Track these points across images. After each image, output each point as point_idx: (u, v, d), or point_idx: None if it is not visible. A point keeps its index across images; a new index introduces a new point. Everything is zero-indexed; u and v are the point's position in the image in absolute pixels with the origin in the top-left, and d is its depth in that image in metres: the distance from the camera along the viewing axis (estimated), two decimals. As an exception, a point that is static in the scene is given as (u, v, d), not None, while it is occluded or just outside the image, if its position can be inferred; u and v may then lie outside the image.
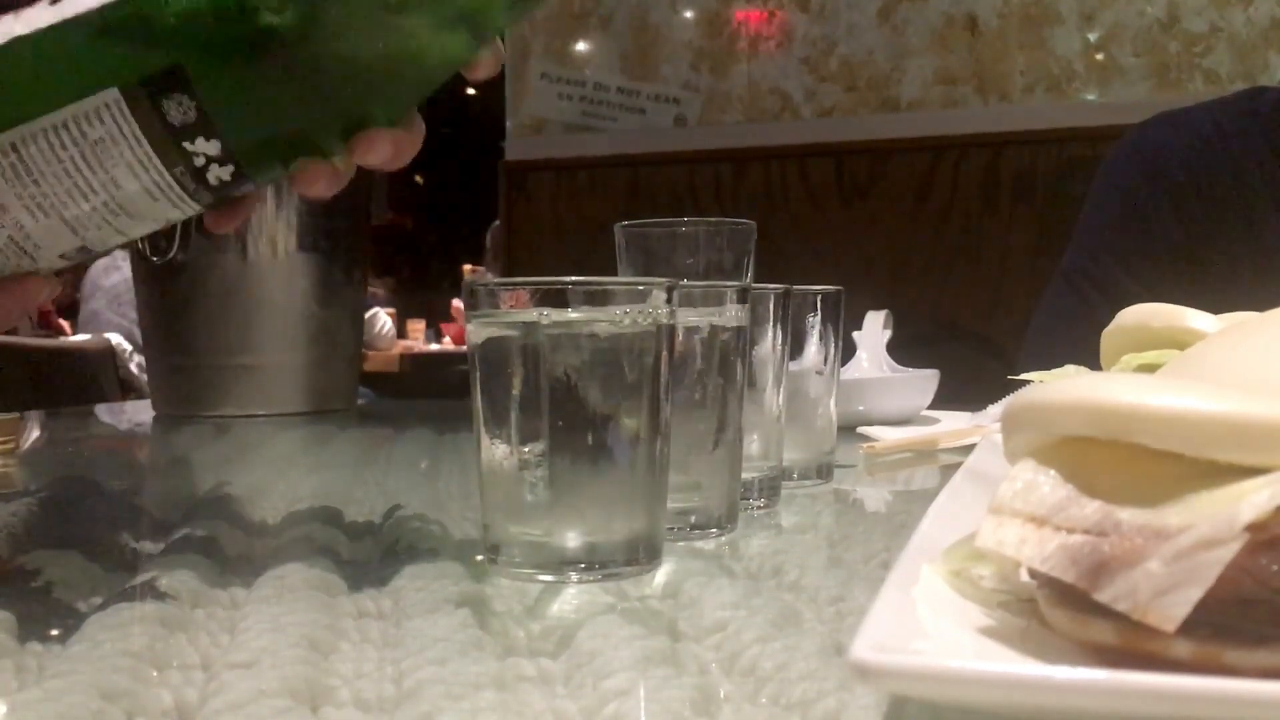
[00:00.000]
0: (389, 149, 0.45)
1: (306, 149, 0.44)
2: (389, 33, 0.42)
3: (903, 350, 1.05)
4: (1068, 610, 0.26)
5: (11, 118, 0.40)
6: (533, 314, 0.43)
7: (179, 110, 0.40)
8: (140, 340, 1.32)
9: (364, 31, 0.42)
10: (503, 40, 0.46)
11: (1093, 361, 0.48)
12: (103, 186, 0.41)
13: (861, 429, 0.89)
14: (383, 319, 4.15)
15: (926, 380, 0.98)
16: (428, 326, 5.02)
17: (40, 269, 0.44)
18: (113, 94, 0.40)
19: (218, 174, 0.42)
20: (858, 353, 1.04)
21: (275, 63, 0.41)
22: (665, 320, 0.44)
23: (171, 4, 0.40)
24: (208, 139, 0.41)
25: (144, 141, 0.41)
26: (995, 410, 0.88)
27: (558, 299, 0.43)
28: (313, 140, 0.44)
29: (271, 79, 0.41)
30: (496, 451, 0.44)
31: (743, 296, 0.52)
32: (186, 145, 0.41)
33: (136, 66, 0.40)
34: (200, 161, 0.41)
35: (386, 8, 0.42)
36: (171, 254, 1.08)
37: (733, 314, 0.52)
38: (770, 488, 0.59)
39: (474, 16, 0.43)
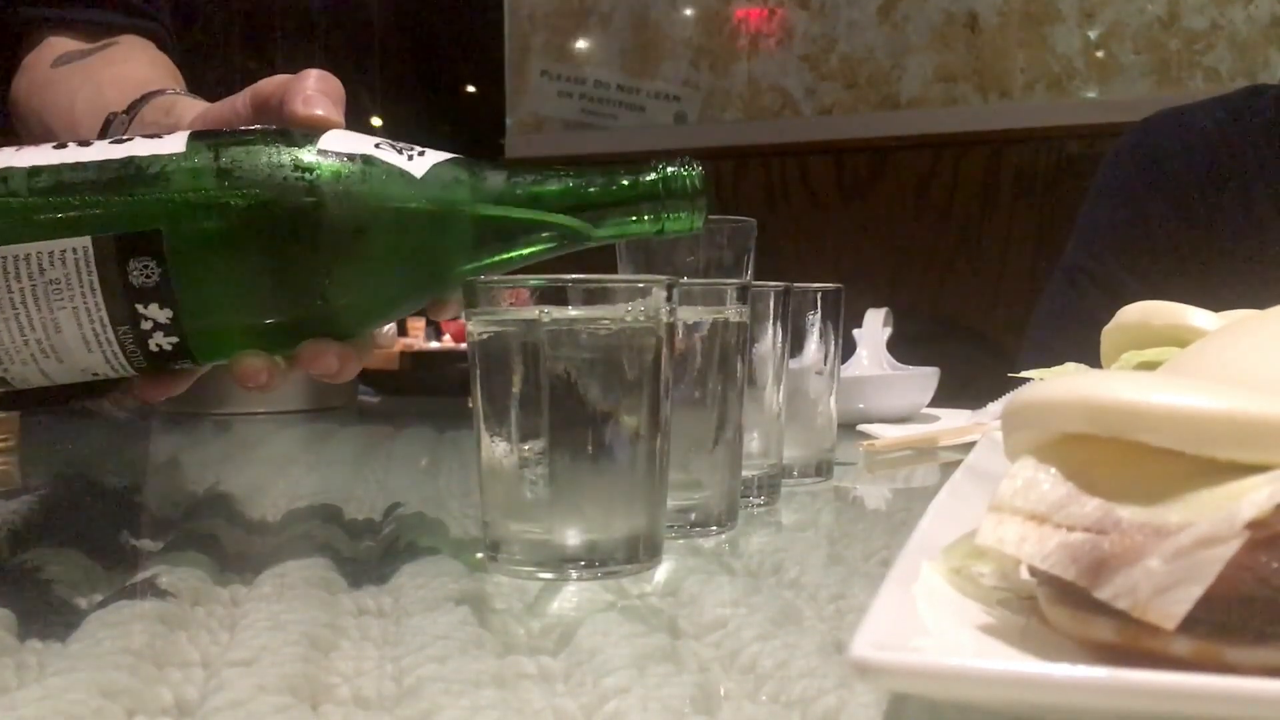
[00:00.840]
0: (334, 364, 0.45)
1: (254, 344, 0.45)
2: (360, 264, 0.43)
3: (903, 348, 1.05)
4: (1068, 608, 0.26)
5: None
6: (533, 312, 0.43)
7: (143, 272, 0.41)
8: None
9: (335, 259, 0.43)
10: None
11: (1093, 359, 0.48)
12: (42, 325, 0.41)
13: (861, 427, 0.89)
14: (383, 316, 4.14)
15: (926, 378, 0.98)
16: (428, 324, 5.02)
17: None
18: (84, 241, 0.41)
19: (160, 342, 0.42)
20: (858, 350, 1.04)
21: (248, 259, 0.42)
22: (665, 318, 0.44)
23: (165, 178, 0.41)
24: (161, 307, 0.42)
25: (98, 293, 0.41)
26: (995, 408, 0.88)
27: (558, 297, 0.43)
28: (262, 335, 0.44)
29: (240, 271, 0.42)
30: (497, 449, 0.44)
31: (743, 294, 0.52)
32: (139, 307, 0.41)
33: (116, 222, 0.41)
34: (147, 326, 0.42)
35: (362, 243, 0.43)
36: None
37: (733, 312, 0.52)
38: (770, 485, 0.59)
39: (440, 271, 0.45)
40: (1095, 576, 0.25)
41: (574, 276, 0.43)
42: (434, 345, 4.63)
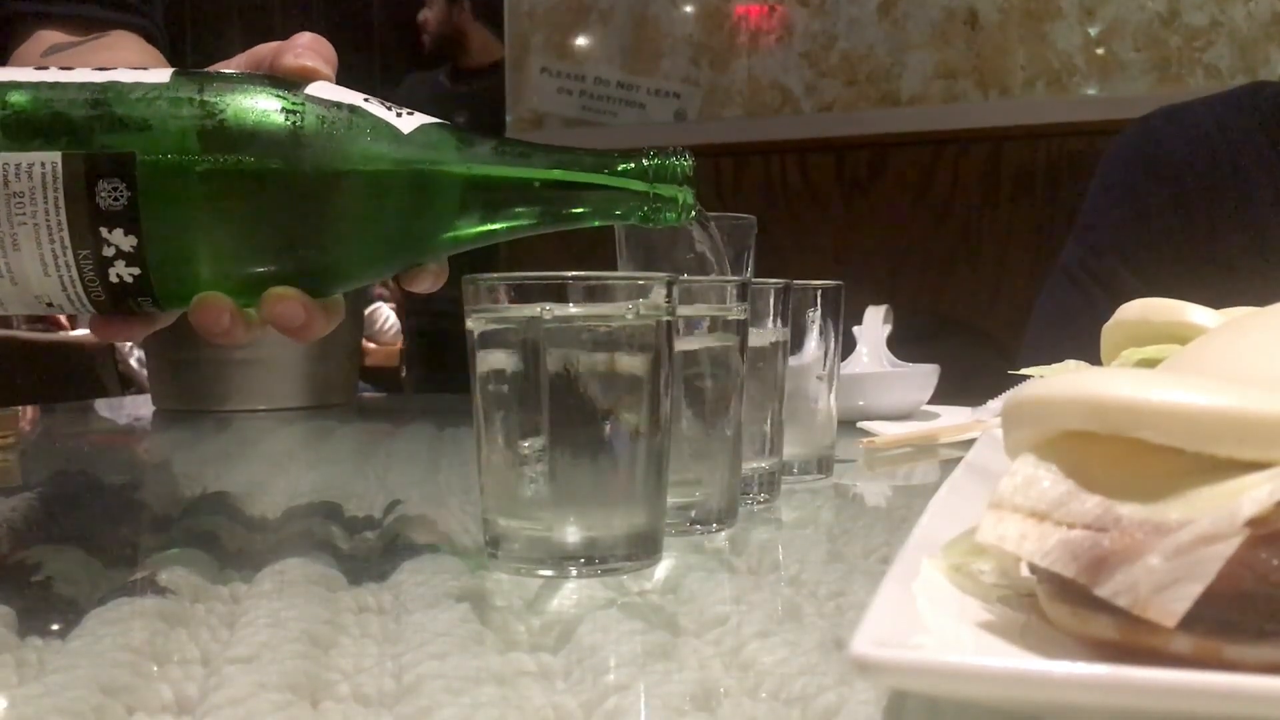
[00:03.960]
0: (300, 314, 0.43)
1: (218, 286, 0.43)
2: (336, 215, 0.42)
3: (903, 345, 1.05)
4: (1068, 605, 0.26)
5: None
6: (533, 309, 0.43)
7: (111, 195, 0.39)
8: (140, 335, 1.31)
9: (311, 206, 0.41)
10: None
11: (1093, 356, 0.48)
12: (0, 242, 0.40)
13: (861, 424, 0.89)
14: (385, 313, 4.15)
15: (926, 375, 0.98)
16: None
17: None
18: (53, 156, 0.39)
19: (121, 272, 0.41)
20: (858, 348, 1.04)
21: (222, 195, 0.41)
22: (665, 315, 0.44)
23: (145, 103, 0.40)
24: (126, 234, 0.40)
25: (62, 211, 0.39)
26: (995, 405, 0.88)
27: (558, 294, 0.43)
28: (228, 280, 0.43)
29: (212, 207, 0.41)
30: (497, 446, 0.44)
31: (743, 292, 0.52)
32: (103, 231, 0.40)
33: (90, 141, 0.40)
34: (109, 252, 0.40)
35: (341, 193, 0.41)
36: None
37: (733, 309, 0.52)
38: (770, 483, 0.59)
39: (419, 234, 0.43)
40: (1095, 574, 0.25)
41: (574, 273, 0.43)
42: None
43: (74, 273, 0.41)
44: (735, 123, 2.24)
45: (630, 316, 0.43)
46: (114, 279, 0.41)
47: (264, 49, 0.48)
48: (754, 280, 0.57)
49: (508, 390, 0.43)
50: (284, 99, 0.42)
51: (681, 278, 0.46)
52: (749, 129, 2.22)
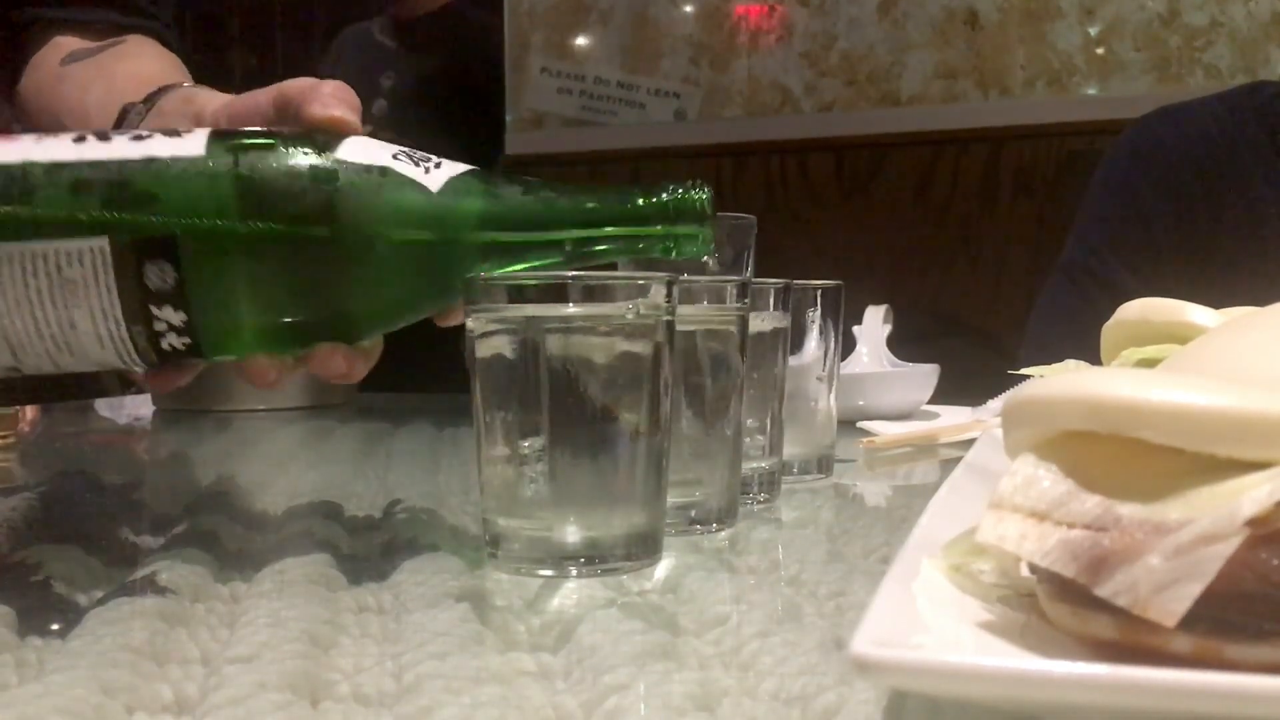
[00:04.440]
0: (343, 366, 0.46)
1: (265, 345, 0.46)
2: (373, 274, 0.44)
3: (903, 345, 1.05)
4: (1068, 605, 0.26)
5: None
6: (533, 309, 0.43)
7: (159, 276, 0.41)
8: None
9: (349, 268, 0.43)
10: None
11: (1093, 356, 0.48)
12: (58, 322, 0.42)
13: (861, 424, 0.89)
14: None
15: (926, 375, 0.98)
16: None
17: None
18: (101, 243, 0.41)
19: (172, 342, 0.43)
20: (858, 347, 1.04)
21: (263, 266, 0.42)
22: (665, 315, 0.44)
23: (183, 182, 0.42)
24: (176, 309, 0.42)
25: (114, 293, 0.41)
26: (995, 405, 0.88)
27: (558, 293, 0.43)
28: (274, 339, 0.45)
29: (254, 278, 0.43)
30: (496, 446, 0.44)
31: (743, 291, 0.52)
32: (154, 309, 0.42)
33: (135, 227, 0.41)
34: (161, 327, 0.42)
35: (376, 254, 0.43)
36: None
37: (733, 309, 0.52)
38: (770, 482, 0.59)
39: (450, 282, 0.45)
40: (1095, 573, 0.25)
41: (574, 273, 0.43)
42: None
43: (128, 345, 0.43)
44: (735, 123, 2.24)
45: (630, 316, 0.43)
46: (166, 348, 0.43)
47: (294, 87, 0.49)
48: (754, 280, 0.57)
49: (507, 390, 0.43)
50: (317, 169, 0.43)
51: (681, 278, 0.46)
52: (749, 129, 2.22)
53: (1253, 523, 0.23)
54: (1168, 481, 0.25)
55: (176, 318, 0.42)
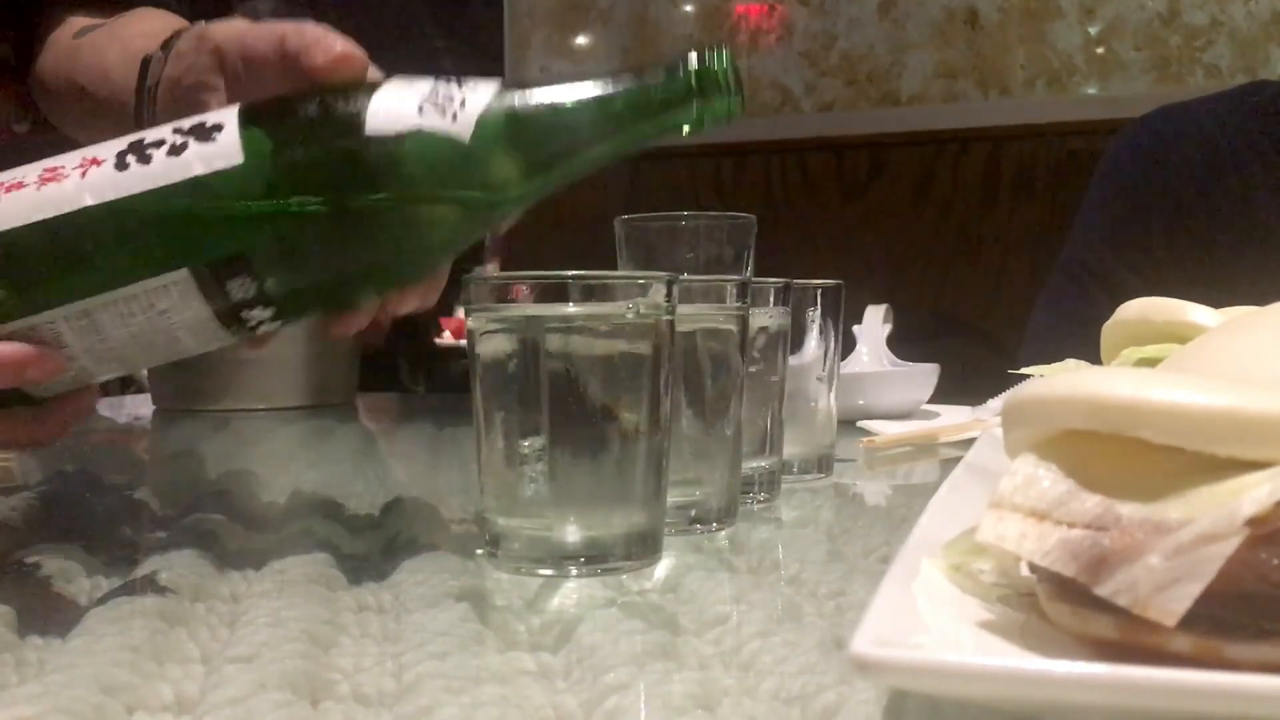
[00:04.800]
0: (417, 301, 0.50)
1: (345, 304, 0.49)
2: (428, 225, 0.45)
3: (903, 344, 1.05)
4: (1068, 604, 0.26)
5: (83, 289, 0.43)
6: (533, 308, 0.43)
7: (241, 289, 0.44)
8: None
9: (403, 229, 0.45)
10: None
11: (1093, 356, 0.48)
12: (165, 343, 0.45)
13: (861, 423, 0.89)
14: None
15: (926, 374, 0.98)
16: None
17: (88, 391, 0.48)
18: (182, 274, 0.43)
19: (266, 327, 0.46)
20: (858, 347, 1.04)
21: (327, 246, 0.44)
22: (665, 315, 0.44)
23: (234, 196, 0.43)
24: (265, 307, 0.45)
25: (208, 312, 0.44)
26: (995, 404, 0.88)
27: (558, 293, 0.43)
28: (352, 296, 0.48)
29: (322, 257, 0.45)
30: (496, 446, 0.44)
31: (743, 291, 0.52)
32: (245, 314, 0.45)
33: (205, 252, 0.43)
34: (254, 322, 0.45)
35: (425, 210, 0.45)
36: None
37: (733, 309, 0.52)
38: (770, 482, 0.59)
39: (497, 205, 0.46)
40: (1095, 573, 0.25)
41: (574, 273, 0.43)
42: (435, 342, 4.62)
43: (227, 339, 0.46)
44: (735, 122, 2.24)
45: (630, 316, 0.43)
46: (260, 331, 0.47)
47: (290, 43, 0.49)
48: (754, 280, 0.57)
49: (507, 390, 0.43)
50: (350, 150, 0.44)
51: (681, 277, 0.46)
52: (748, 128, 2.22)
53: (1253, 522, 0.23)
54: (1168, 481, 0.25)
55: (266, 314, 0.45)
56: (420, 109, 0.44)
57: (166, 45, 0.59)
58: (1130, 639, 0.24)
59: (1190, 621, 0.23)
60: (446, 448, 0.85)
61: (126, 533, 0.54)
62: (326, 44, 0.47)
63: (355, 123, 0.44)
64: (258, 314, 0.45)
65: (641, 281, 0.44)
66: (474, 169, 0.45)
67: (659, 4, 2.29)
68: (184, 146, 0.44)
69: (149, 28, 0.71)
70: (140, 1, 0.80)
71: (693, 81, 0.46)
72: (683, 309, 0.47)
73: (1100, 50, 2.00)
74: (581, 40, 2.36)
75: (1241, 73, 1.89)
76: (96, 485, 0.73)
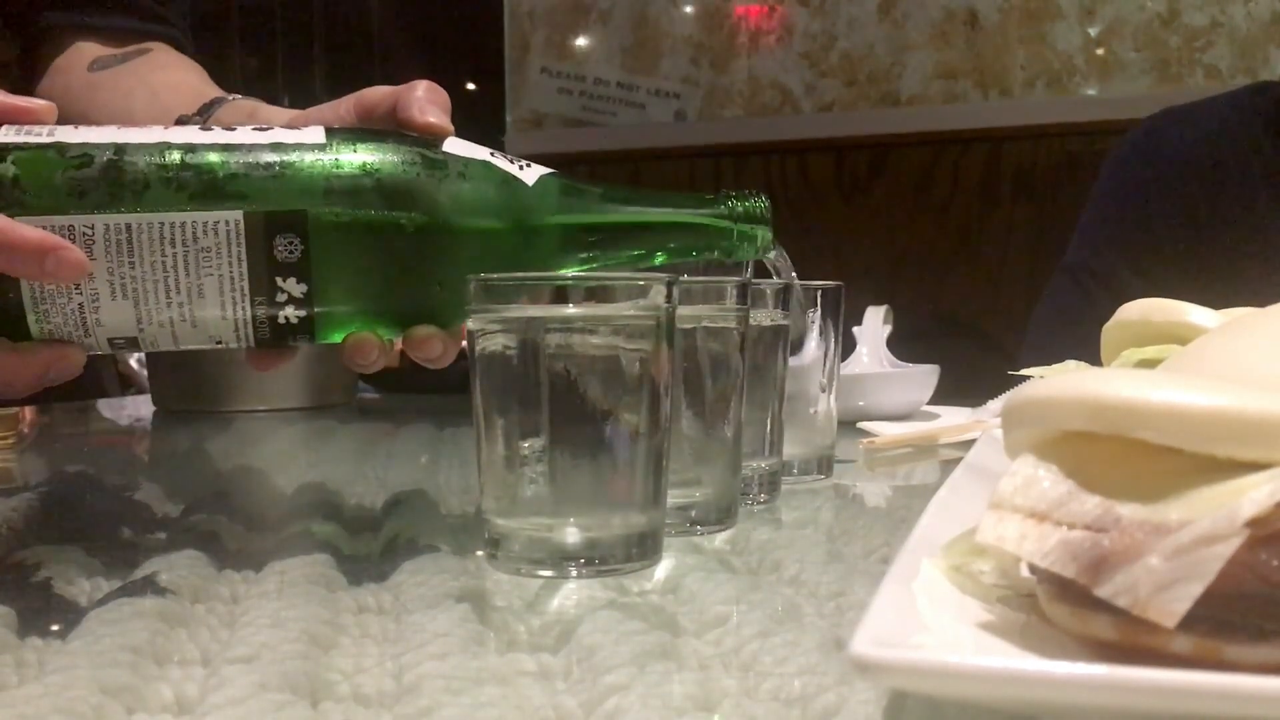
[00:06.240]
0: (439, 349, 0.48)
1: (368, 324, 0.48)
2: (474, 257, 0.47)
3: (903, 345, 1.05)
4: (1068, 605, 0.26)
5: (138, 206, 0.43)
6: (533, 309, 0.43)
7: (286, 248, 0.44)
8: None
9: (455, 251, 0.46)
10: None
11: (1094, 357, 0.48)
12: (186, 290, 0.44)
13: (861, 424, 0.89)
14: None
15: (926, 375, 0.98)
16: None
17: (82, 346, 0.46)
18: (236, 215, 0.43)
19: (288, 315, 0.46)
20: (858, 348, 1.04)
21: (380, 243, 0.45)
22: (665, 316, 0.44)
23: (310, 163, 0.45)
24: (299, 281, 0.45)
25: (244, 264, 0.44)
26: (995, 405, 0.88)
27: (558, 294, 0.43)
28: (379, 318, 0.48)
29: (371, 254, 0.45)
30: (497, 446, 0.44)
31: (743, 292, 0.52)
32: (278, 280, 0.44)
33: (267, 199, 0.44)
34: (282, 299, 0.45)
35: (479, 239, 0.47)
36: None
37: (733, 309, 0.52)
38: (770, 483, 0.59)
39: (535, 268, 0.48)
40: (1095, 574, 0.25)
41: (574, 273, 0.43)
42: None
43: (248, 316, 0.45)
44: (735, 123, 2.24)
45: (630, 317, 0.43)
46: (282, 320, 0.46)
47: (376, 95, 0.51)
48: (754, 280, 0.57)
49: (507, 390, 0.43)
50: (428, 157, 0.47)
51: (681, 278, 0.46)
52: (749, 129, 2.22)
53: (1253, 523, 0.23)
54: (1168, 482, 0.25)
55: (299, 289, 0.45)
56: (491, 154, 0.49)
57: (205, 110, 0.61)
58: (1130, 640, 0.24)
59: (1190, 622, 0.23)
60: (446, 448, 0.85)
61: (126, 534, 0.54)
62: (421, 104, 0.49)
63: (433, 142, 0.48)
64: (290, 289, 0.45)
65: (641, 282, 0.44)
66: (530, 210, 0.48)
67: (659, 5, 2.29)
68: (269, 129, 0.47)
69: (175, 79, 0.72)
70: (148, 33, 0.79)
71: (735, 206, 0.51)
72: (683, 310, 0.47)
73: (1100, 51, 2.00)
74: (581, 41, 2.36)
75: (1241, 73, 1.90)
76: (97, 486, 0.73)
